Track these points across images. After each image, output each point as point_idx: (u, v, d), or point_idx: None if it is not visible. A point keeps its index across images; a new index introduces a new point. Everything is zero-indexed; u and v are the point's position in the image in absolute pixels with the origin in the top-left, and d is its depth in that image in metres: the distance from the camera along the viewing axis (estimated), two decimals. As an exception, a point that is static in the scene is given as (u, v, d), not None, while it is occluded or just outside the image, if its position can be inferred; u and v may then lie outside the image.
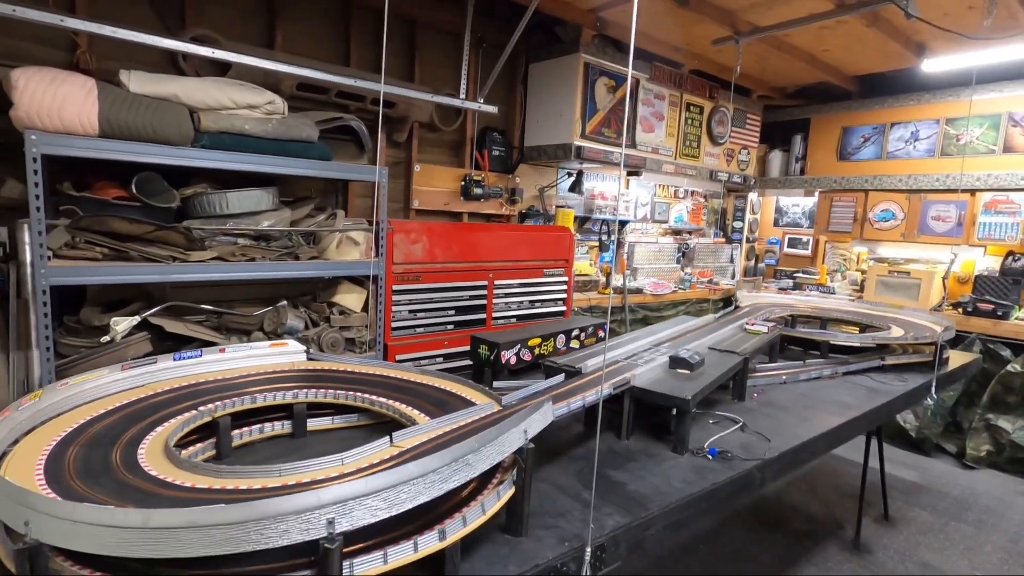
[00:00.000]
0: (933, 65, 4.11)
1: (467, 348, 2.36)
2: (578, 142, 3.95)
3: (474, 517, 1.08)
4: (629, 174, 4.71)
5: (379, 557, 0.95)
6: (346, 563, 0.91)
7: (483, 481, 1.21)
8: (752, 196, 6.05)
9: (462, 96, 3.44)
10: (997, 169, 4.41)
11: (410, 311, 3.11)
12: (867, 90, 5.15)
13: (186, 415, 1.43)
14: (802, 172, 5.62)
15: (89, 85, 1.95)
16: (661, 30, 4.06)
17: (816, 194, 5.61)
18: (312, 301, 2.88)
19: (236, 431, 1.56)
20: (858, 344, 2.90)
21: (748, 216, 6.07)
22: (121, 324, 2.14)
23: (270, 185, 2.59)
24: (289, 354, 1.92)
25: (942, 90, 4.65)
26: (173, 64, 2.73)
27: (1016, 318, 4.19)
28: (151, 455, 1.23)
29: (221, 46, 2.55)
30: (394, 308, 3.03)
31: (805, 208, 5.89)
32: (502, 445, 1.15)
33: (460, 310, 3.30)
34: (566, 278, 3.81)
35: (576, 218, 4.66)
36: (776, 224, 6.19)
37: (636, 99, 4.31)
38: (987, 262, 4.66)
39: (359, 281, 2.91)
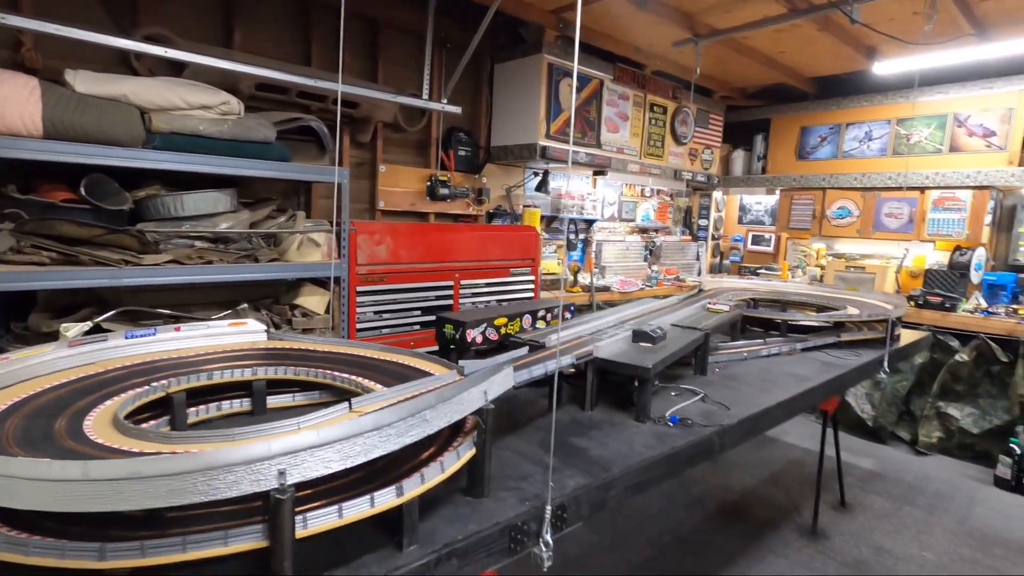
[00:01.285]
0: (883, 68, 4.27)
1: (435, 348, 2.36)
2: (543, 142, 3.99)
3: (433, 475, 1.08)
4: (595, 173, 4.77)
5: (334, 512, 0.94)
6: (300, 517, 0.90)
7: (444, 445, 1.21)
8: (716, 194, 6.18)
9: (425, 96, 3.45)
10: (944, 168, 4.60)
11: (375, 312, 3.10)
12: (823, 91, 5.32)
13: (138, 390, 1.37)
14: (764, 171, 5.77)
15: (31, 85, 1.90)
16: (623, 32, 4.13)
17: (777, 192, 5.77)
18: (274, 304, 2.85)
19: (192, 408, 1.50)
20: (815, 323, 3.00)
21: (713, 214, 6.21)
22: (71, 330, 2.08)
23: (228, 187, 2.56)
24: (249, 333, 1.84)
25: (893, 92, 4.83)
26: (126, 64, 2.67)
27: (963, 310, 4.38)
28: (98, 425, 1.17)
29: (176, 45, 2.51)
30: (359, 310, 3.02)
31: (768, 206, 6.05)
32: (461, 404, 1.15)
33: (426, 310, 3.30)
34: (533, 277, 3.84)
35: (543, 217, 4.70)
36: (740, 222, 6.34)
37: (601, 100, 4.37)
38: (937, 257, 4.86)
39: (322, 283, 2.89)
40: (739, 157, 5.96)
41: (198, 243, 2.40)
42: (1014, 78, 4.25)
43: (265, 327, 1.87)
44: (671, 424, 1.78)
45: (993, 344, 4.11)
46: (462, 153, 4.16)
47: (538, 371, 1.66)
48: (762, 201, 6.10)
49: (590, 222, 5.14)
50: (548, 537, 1.18)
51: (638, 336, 2.10)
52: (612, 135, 4.51)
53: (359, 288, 2.99)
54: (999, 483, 3.89)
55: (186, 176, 2.37)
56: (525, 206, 4.40)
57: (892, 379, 4.57)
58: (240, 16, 3.07)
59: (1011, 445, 3.84)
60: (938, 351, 4.40)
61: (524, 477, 1.38)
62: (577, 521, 1.34)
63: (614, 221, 5.42)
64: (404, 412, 1.02)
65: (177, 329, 1.72)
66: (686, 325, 2.41)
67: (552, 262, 4.72)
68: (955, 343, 4.30)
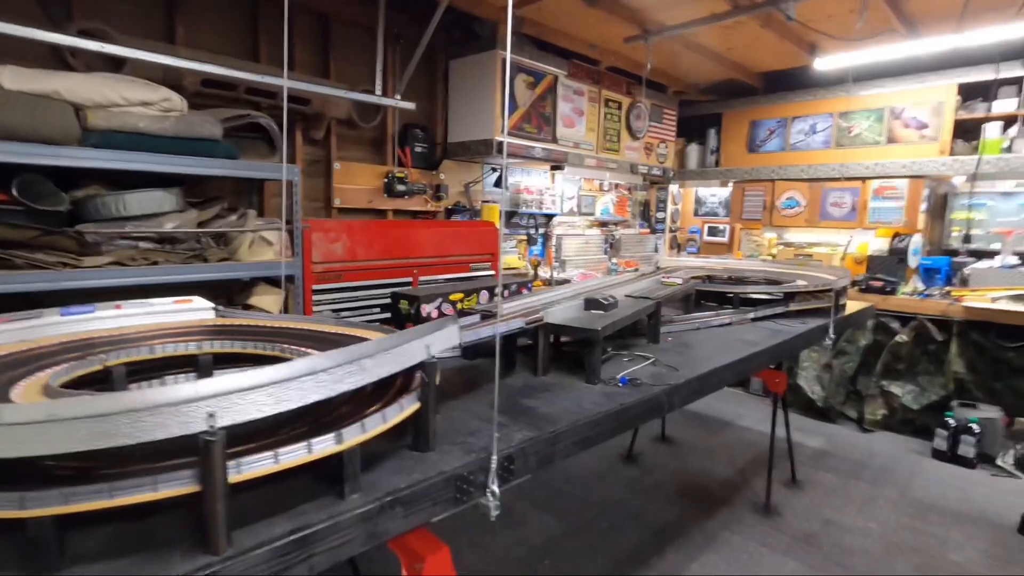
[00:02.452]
0: (824, 63, 4.46)
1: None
2: (499, 138, 4.02)
3: (374, 424, 1.06)
4: (553, 168, 4.83)
5: (269, 457, 0.92)
6: (234, 462, 0.88)
7: (391, 403, 1.21)
8: (673, 187, 6.34)
9: (378, 92, 3.43)
10: (883, 158, 4.84)
11: (332, 310, 3.08)
12: (771, 86, 5.51)
13: (73, 363, 1.29)
14: (717, 164, 5.94)
15: (-46, 81, 1.82)
16: (576, 28, 4.19)
17: (730, 184, 5.95)
18: (228, 305, 2.80)
19: (134, 384, 1.44)
20: (765, 294, 3.12)
21: (670, 207, 6.36)
22: None
23: (174, 185, 2.50)
24: (195, 311, 1.75)
25: (834, 86, 5.05)
26: (61, 60, 2.57)
27: (902, 293, 4.62)
28: (27, 393, 1.10)
29: (114, 40, 2.43)
30: (315, 308, 2.99)
31: (722, 198, 6.23)
32: (401, 355, 1.14)
33: (386, 308, 3.29)
34: (492, 272, 3.87)
35: (503, 213, 4.74)
36: (696, 214, 6.51)
37: (556, 95, 4.42)
38: (878, 243, 5.10)
39: (276, 282, 2.85)
40: (693, 151, 6.12)
41: (143, 244, 2.34)
42: (943, 73, 4.49)
43: (213, 305, 1.79)
44: (621, 385, 1.82)
45: (930, 324, 4.35)
46: (419, 149, 4.15)
47: (486, 332, 1.67)
48: (716, 193, 6.28)
49: (550, 216, 5.20)
50: (495, 487, 1.21)
51: (590, 304, 2.15)
52: (568, 130, 4.57)
53: (315, 286, 2.96)
54: (936, 455, 4.13)
55: (129, 175, 2.30)
56: (484, 202, 4.42)
57: (840, 361, 4.79)
58: (183, 10, 2.99)
59: (946, 419, 4.08)
60: (881, 332, 4.63)
61: (472, 432, 1.39)
62: (525, 473, 1.35)
63: (573, 215, 5.49)
64: (341, 358, 1.00)
65: (118, 307, 1.63)
66: (639, 295, 2.48)
67: (513, 257, 4.76)
68: (896, 324, 4.54)
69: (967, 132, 4.51)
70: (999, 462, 3.96)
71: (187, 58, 2.57)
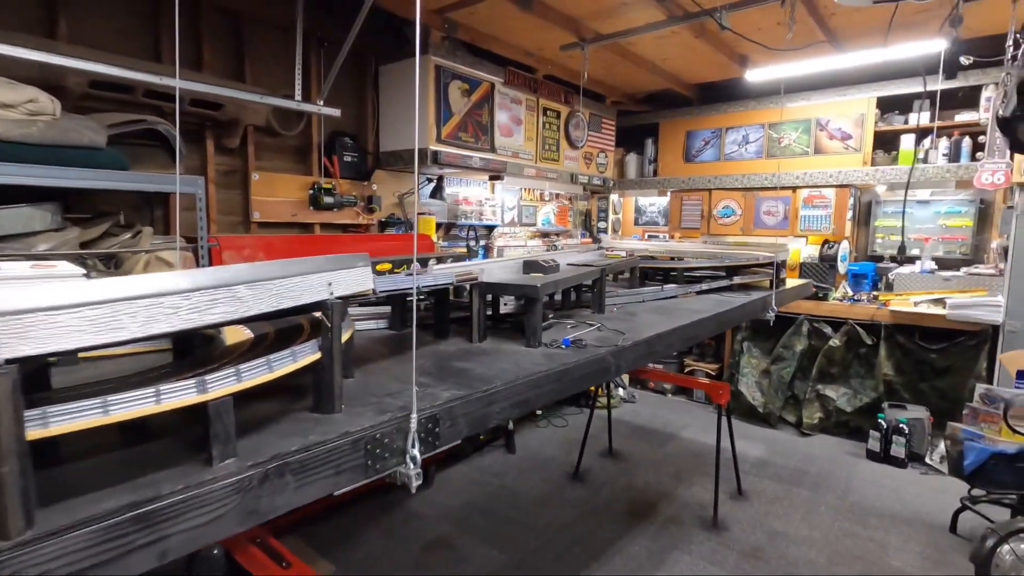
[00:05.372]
0: (755, 75, 4.54)
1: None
2: (434, 147, 3.83)
3: (254, 374, 0.85)
4: (492, 178, 4.68)
5: (97, 407, 0.69)
6: (37, 411, 0.66)
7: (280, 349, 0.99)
8: (613, 197, 6.33)
9: (298, 97, 3.17)
10: (811, 168, 4.98)
11: (248, 336, 2.78)
12: (706, 97, 5.60)
13: None
14: (655, 173, 5.98)
15: None
16: (511, 35, 4.08)
17: (668, 194, 6.00)
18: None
19: None
20: (709, 270, 3.13)
21: (611, 216, 6.35)
22: None
23: (49, 200, 2.16)
24: (59, 278, 1.40)
25: (764, 98, 5.17)
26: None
27: (833, 298, 4.76)
28: None
29: (-30, 32, 2.08)
30: (228, 334, 2.69)
31: (661, 207, 6.28)
32: (293, 289, 0.94)
33: (310, 330, 3.02)
34: (429, 288, 3.66)
35: (441, 225, 4.54)
36: (636, 223, 6.54)
37: (493, 103, 4.28)
38: (809, 250, 5.25)
39: (181, 307, 2.54)
40: (632, 160, 6.14)
41: (8, 269, 1.99)
42: (863, 86, 4.68)
43: (84, 271, 1.46)
44: (564, 347, 1.69)
45: (860, 329, 4.49)
46: (348, 159, 3.89)
47: (404, 282, 1.49)
48: (655, 202, 6.33)
49: (490, 228, 5.04)
50: (415, 452, 1.01)
51: (529, 266, 2.01)
52: (506, 139, 4.44)
53: (227, 311, 2.66)
54: (870, 455, 4.25)
55: (-12, 189, 1.96)
56: (420, 214, 4.21)
57: (777, 367, 4.88)
58: (66, 2, 2.64)
59: (878, 420, 4.20)
60: (815, 338, 4.75)
61: (391, 394, 1.18)
62: (454, 438, 1.17)
63: (515, 226, 5.37)
64: (205, 280, 0.77)
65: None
66: (582, 263, 2.37)
67: (452, 270, 4.56)
68: (828, 329, 4.66)
69: (886, 143, 4.71)
70: (928, 460, 4.11)
71: (67, 55, 2.25)
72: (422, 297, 2.04)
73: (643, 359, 1.91)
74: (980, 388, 3.40)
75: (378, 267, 2.09)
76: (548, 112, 4.84)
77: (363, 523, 3.31)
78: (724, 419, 3.44)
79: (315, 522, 3.26)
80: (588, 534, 3.25)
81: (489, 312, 2.04)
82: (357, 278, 1.13)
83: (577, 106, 5.09)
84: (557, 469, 4.09)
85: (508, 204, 5.28)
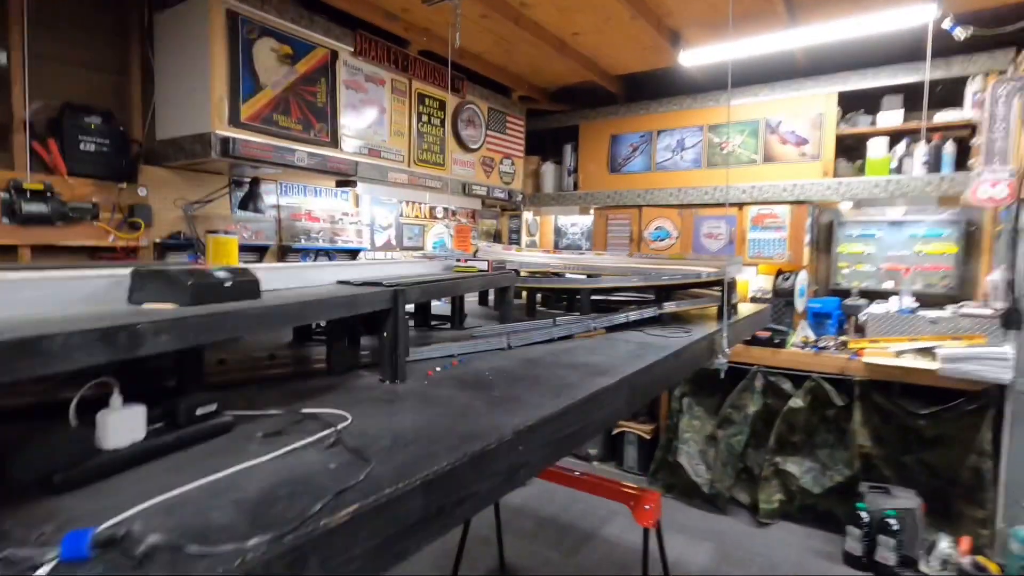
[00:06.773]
0: (690, 58, 3.53)
1: None
2: (225, 132, 2.55)
3: None
4: (339, 184, 3.41)
5: None
6: None
7: None
8: (527, 215, 5.19)
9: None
10: (760, 180, 4.01)
11: None
12: (633, 93, 4.59)
13: None
14: (576, 187, 4.89)
15: None
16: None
17: (591, 211, 4.92)
18: None
19: None
20: (627, 294, 2.15)
21: (525, 238, 5.20)
22: None
23: None
24: None
25: (703, 94, 4.19)
26: None
27: (792, 344, 3.74)
28: None
29: None
30: None
31: (584, 227, 5.19)
32: None
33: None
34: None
35: (266, 248, 3.23)
36: (556, 247, 5.42)
37: (334, 79, 3.05)
38: (760, 282, 4.25)
39: None
40: (549, 171, 5.04)
41: None
42: (821, 79, 3.75)
43: None
44: None
45: (827, 385, 3.47)
46: (92, 147, 2.55)
47: None
48: (578, 222, 5.23)
49: (353, 252, 3.76)
50: None
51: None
52: (358, 130, 3.20)
53: None
54: (848, 560, 3.18)
55: None
56: (210, 232, 2.88)
57: (726, 432, 3.79)
58: None
59: (858, 512, 3.15)
60: (771, 395, 3.69)
61: None
62: None
63: (391, 250, 4.11)
64: None
65: None
66: (372, 281, 1.25)
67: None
68: (788, 385, 3.62)
69: (850, 150, 3.79)
70: (924, 568, 3.06)
71: None
72: None
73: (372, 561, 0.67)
74: None
75: None
76: (427, 100, 3.65)
77: None
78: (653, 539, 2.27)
79: None
80: None
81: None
82: None
83: (469, 96, 3.93)
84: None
85: (382, 221, 4.02)
